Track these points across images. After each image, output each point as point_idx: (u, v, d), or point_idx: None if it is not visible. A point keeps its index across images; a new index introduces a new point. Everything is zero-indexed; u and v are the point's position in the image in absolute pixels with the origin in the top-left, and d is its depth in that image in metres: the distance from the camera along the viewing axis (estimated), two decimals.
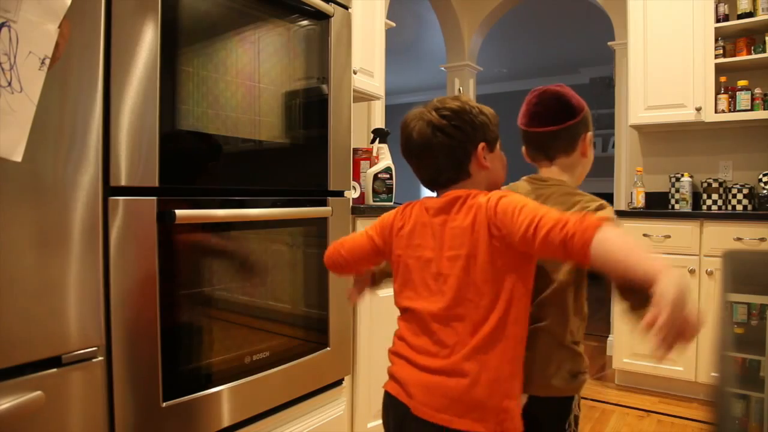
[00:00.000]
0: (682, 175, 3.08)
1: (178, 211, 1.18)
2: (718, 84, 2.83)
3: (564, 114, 1.11)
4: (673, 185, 3.13)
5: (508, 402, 0.93)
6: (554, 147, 1.13)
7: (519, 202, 0.92)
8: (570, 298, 1.06)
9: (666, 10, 2.90)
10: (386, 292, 2.00)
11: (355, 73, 2.10)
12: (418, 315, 1.00)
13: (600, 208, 1.05)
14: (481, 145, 1.02)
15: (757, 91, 2.79)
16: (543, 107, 1.13)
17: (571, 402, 1.08)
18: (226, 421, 1.34)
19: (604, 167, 3.91)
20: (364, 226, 1.89)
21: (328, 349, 1.68)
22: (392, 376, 1.04)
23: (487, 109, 1.05)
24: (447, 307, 0.96)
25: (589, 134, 1.15)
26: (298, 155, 1.59)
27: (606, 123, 6.44)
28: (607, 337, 3.47)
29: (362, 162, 2.20)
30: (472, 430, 0.91)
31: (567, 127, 1.11)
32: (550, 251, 0.87)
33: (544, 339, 1.04)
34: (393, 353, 1.06)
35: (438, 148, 1.00)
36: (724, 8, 2.83)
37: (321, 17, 1.64)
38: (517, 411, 0.96)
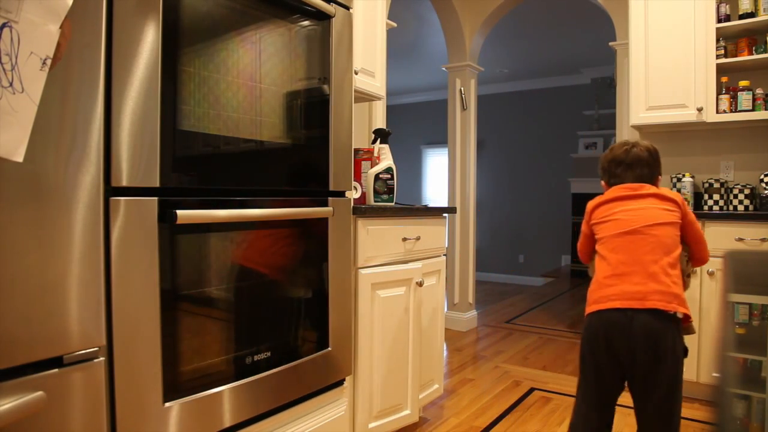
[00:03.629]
0: (684, 176, 3.08)
1: (179, 212, 1.18)
2: (719, 84, 2.83)
3: None
4: (674, 185, 3.12)
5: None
6: None
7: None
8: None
9: (667, 10, 2.90)
10: (386, 292, 2.00)
11: (356, 73, 2.10)
12: None
13: None
14: (659, 171, 1.71)
15: (759, 91, 2.79)
16: None
17: None
18: (228, 422, 1.34)
19: None
20: (366, 227, 1.90)
21: (329, 349, 1.68)
22: None
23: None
24: None
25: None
26: (299, 155, 1.59)
27: (607, 123, 6.44)
28: None
29: (363, 162, 2.20)
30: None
31: None
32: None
33: None
34: None
35: (647, 166, 1.69)
36: (725, 8, 2.83)
37: (322, 17, 1.64)
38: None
